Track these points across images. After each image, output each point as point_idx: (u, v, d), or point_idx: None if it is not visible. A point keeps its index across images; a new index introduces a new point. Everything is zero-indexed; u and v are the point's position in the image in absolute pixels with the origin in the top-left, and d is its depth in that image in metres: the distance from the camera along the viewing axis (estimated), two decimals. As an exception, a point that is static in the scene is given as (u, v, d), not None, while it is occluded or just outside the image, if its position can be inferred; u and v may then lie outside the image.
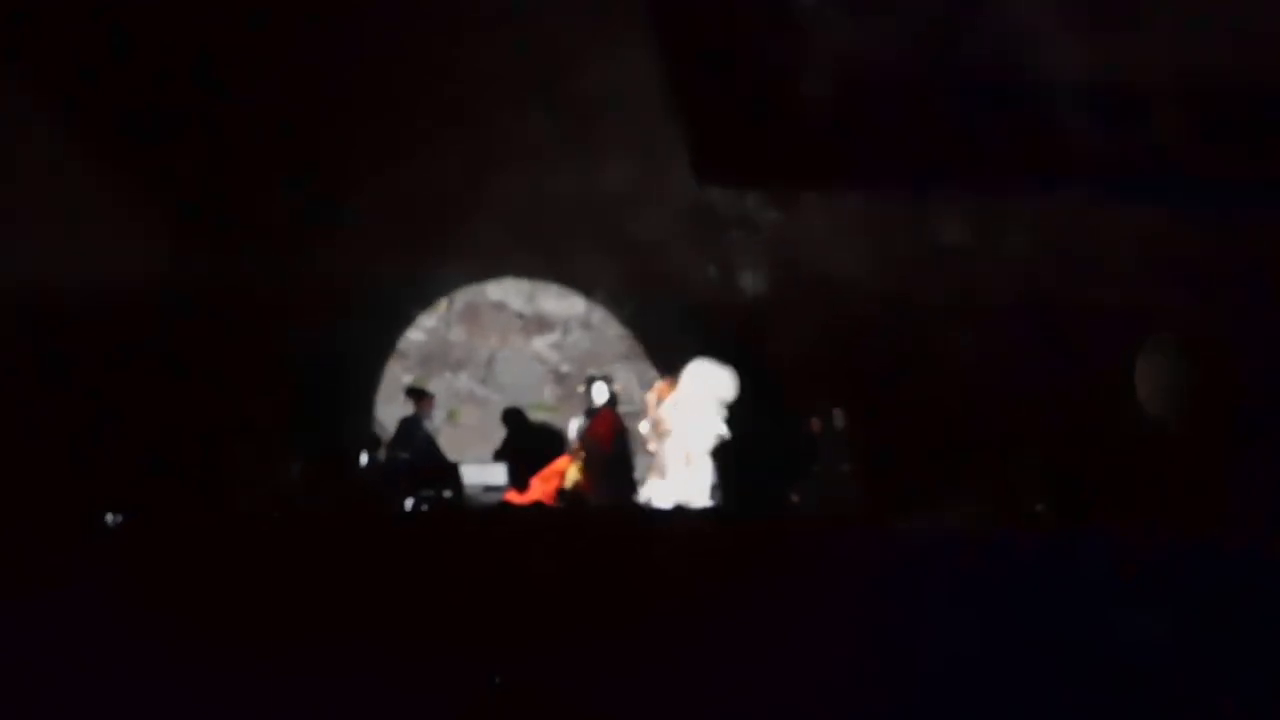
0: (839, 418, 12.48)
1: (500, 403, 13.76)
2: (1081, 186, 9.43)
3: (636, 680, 6.29)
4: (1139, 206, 9.35)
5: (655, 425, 12.41)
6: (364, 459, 12.55)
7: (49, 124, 8.93)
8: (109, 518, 8.68)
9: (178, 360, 10.70)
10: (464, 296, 13.67)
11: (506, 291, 13.76)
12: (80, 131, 9.17)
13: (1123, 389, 9.82)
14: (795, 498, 12.53)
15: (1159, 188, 8.95)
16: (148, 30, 8.89)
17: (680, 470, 12.09)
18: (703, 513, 11.50)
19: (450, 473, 12.66)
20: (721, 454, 12.10)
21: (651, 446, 12.39)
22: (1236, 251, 8.83)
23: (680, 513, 11.57)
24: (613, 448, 12.75)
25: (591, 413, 12.81)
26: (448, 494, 12.40)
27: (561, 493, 12.51)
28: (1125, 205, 9.41)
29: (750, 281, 13.01)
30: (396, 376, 13.49)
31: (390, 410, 13.17)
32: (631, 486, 12.91)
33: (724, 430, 12.12)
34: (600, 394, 12.80)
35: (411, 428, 12.75)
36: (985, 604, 6.88)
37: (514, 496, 12.66)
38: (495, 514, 11.83)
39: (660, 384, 12.67)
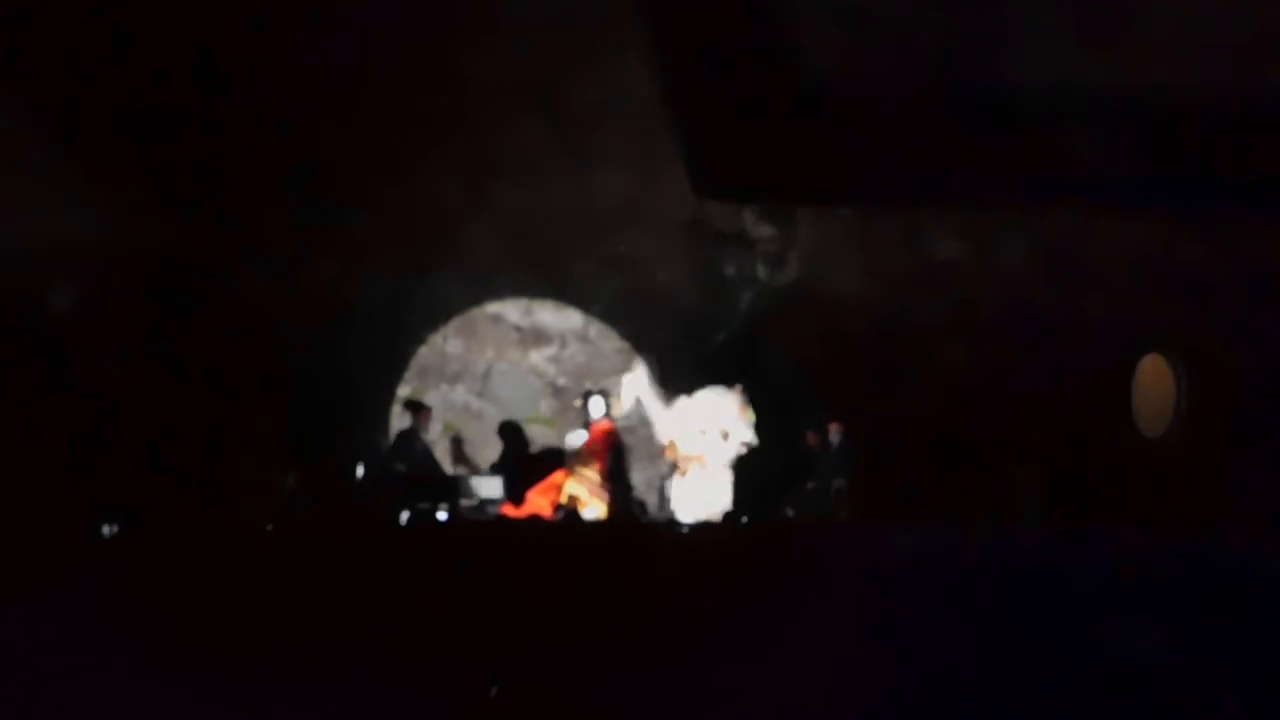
0: (836, 433, 12.52)
1: (496, 416, 13.77)
2: (1077, 197, 9.45)
3: (631, 693, 6.27)
4: (1133, 214, 9.38)
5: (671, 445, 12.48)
6: (360, 470, 12.58)
7: (48, 126, 8.93)
8: (105, 527, 8.62)
9: (174, 366, 10.70)
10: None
11: (504, 304, 13.78)
12: (80, 134, 9.17)
13: (1120, 396, 9.85)
14: (790, 512, 12.56)
15: (1154, 196, 8.98)
16: (147, 33, 8.92)
17: (700, 482, 12.16)
18: (698, 524, 11.50)
19: (447, 485, 12.66)
20: (741, 467, 12.19)
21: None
22: (1232, 257, 8.86)
23: (675, 525, 11.58)
24: (609, 461, 12.78)
25: (588, 427, 12.83)
26: (444, 506, 12.39)
27: (558, 506, 12.50)
28: (1120, 214, 9.44)
29: (747, 296, 13.06)
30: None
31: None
32: (628, 500, 12.94)
33: (749, 438, 12.18)
34: (597, 408, 12.81)
35: (409, 440, 12.76)
36: (985, 604, 6.86)
37: (510, 510, 12.64)
38: (491, 527, 11.80)
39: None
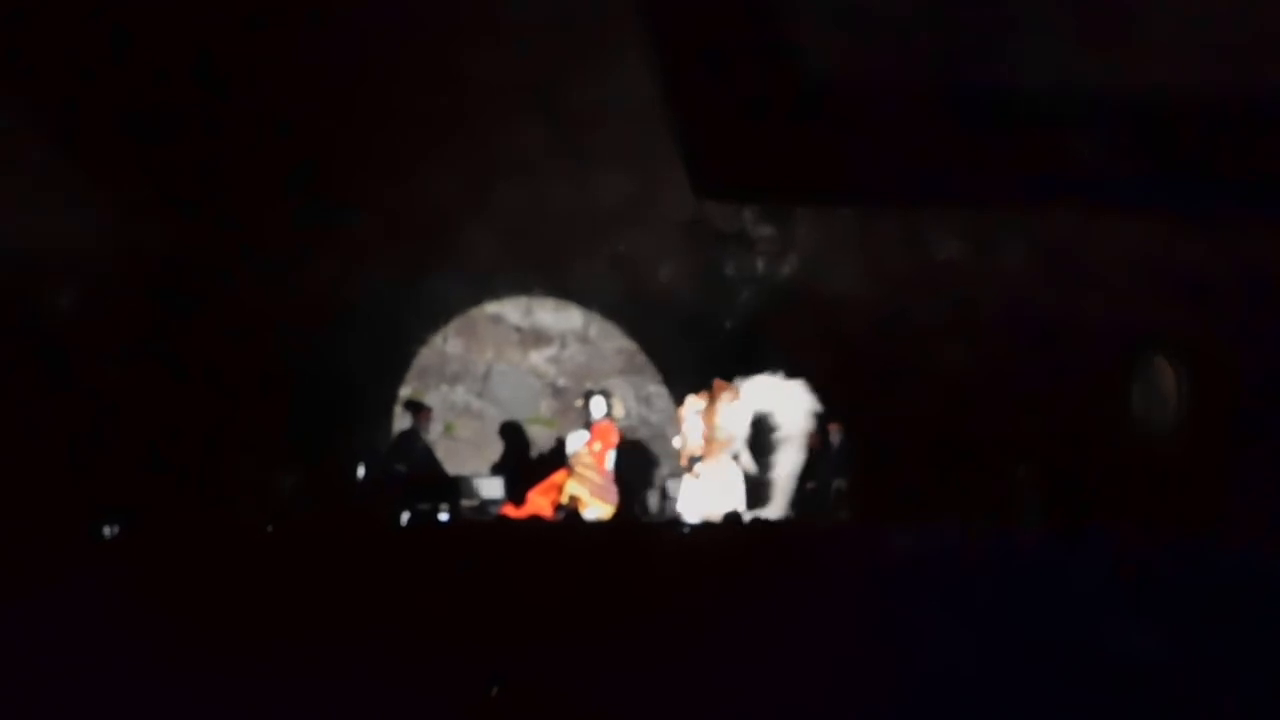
0: (836, 433, 12.51)
1: (496, 416, 13.77)
2: (1077, 197, 9.45)
3: (631, 693, 6.26)
4: (1133, 214, 9.37)
5: (709, 431, 12.40)
6: (360, 471, 12.57)
7: (48, 126, 8.93)
8: (105, 527, 8.62)
9: (174, 366, 10.70)
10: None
11: (503, 305, 13.77)
12: (80, 133, 9.17)
13: (1121, 395, 9.84)
14: (792, 512, 12.54)
15: (1155, 196, 8.98)
16: (147, 33, 8.92)
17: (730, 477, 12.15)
18: (698, 524, 11.48)
19: (448, 485, 12.65)
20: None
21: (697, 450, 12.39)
22: (1232, 257, 8.86)
23: (675, 524, 11.56)
24: (609, 461, 12.79)
25: (589, 427, 12.83)
26: (444, 507, 12.38)
27: (559, 506, 12.50)
28: (1120, 214, 9.43)
29: (747, 296, 13.07)
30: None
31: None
32: (628, 500, 12.94)
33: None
34: (598, 408, 12.81)
35: (410, 440, 12.75)
36: (985, 604, 6.85)
37: (511, 510, 12.63)
38: (492, 527, 11.78)
39: (708, 391, 12.64)
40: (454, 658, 6.31)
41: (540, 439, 13.77)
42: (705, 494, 12.17)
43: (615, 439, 12.83)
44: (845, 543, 8.76)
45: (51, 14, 8.46)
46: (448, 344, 13.72)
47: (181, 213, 10.37)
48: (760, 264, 12.89)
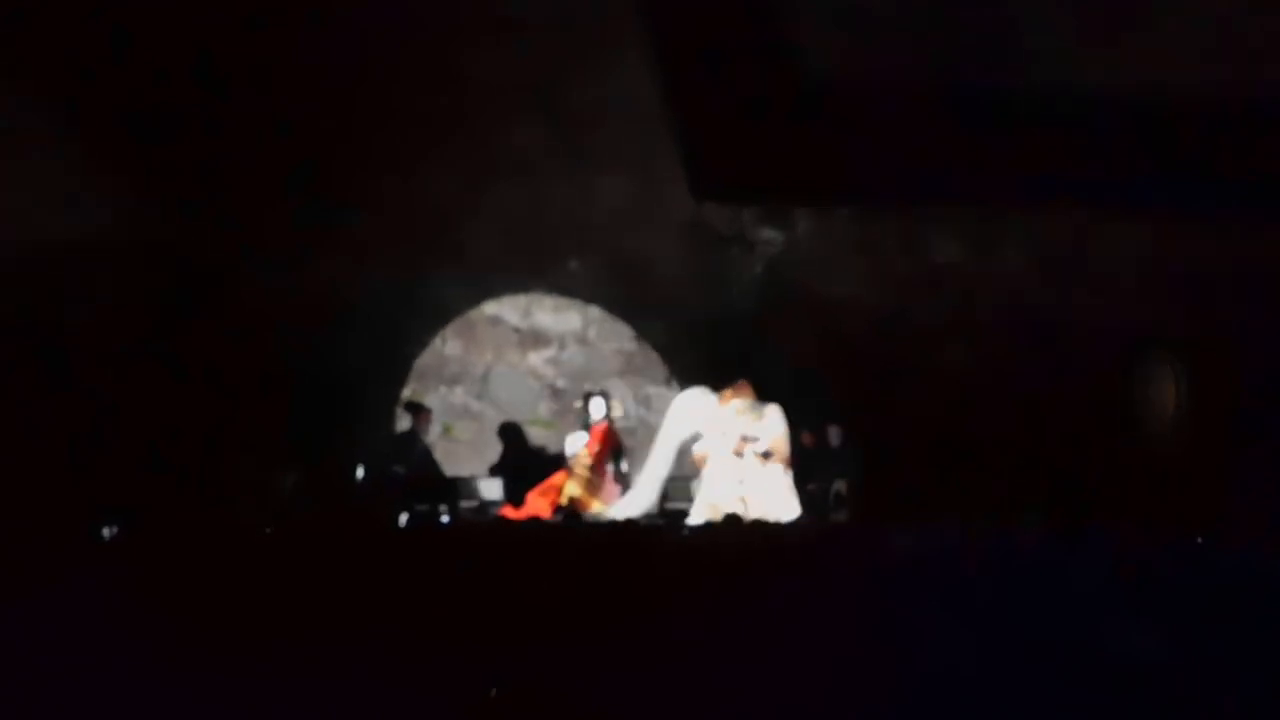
0: (835, 434, 12.51)
1: (496, 418, 13.78)
2: (1077, 197, 9.46)
3: (631, 693, 6.25)
4: (1133, 214, 9.37)
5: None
6: (360, 471, 12.59)
7: (48, 126, 8.94)
8: (105, 527, 8.61)
9: (174, 366, 10.71)
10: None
11: (502, 306, 13.80)
12: (80, 133, 9.18)
13: (1121, 396, 9.84)
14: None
15: (1155, 196, 8.99)
16: (147, 33, 8.92)
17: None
18: (698, 524, 11.48)
19: (447, 487, 12.66)
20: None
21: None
22: (1232, 257, 8.86)
23: (675, 525, 11.56)
24: (608, 463, 12.79)
25: (588, 428, 12.83)
26: (443, 509, 12.39)
27: (558, 508, 12.50)
28: (1120, 214, 9.43)
29: (747, 296, 13.07)
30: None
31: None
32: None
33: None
34: (597, 409, 12.82)
35: (409, 441, 12.76)
36: (985, 604, 6.85)
37: (510, 511, 12.64)
38: (491, 528, 11.79)
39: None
40: (454, 658, 6.30)
41: (540, 440, 13.79)
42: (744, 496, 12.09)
43: (614, 440, 12.84)
44: (845, 543, 8.76)
45: (51, 14, 8.47)
46: (447, 345, 13.74)
47: (181, 213, 10.37)
48: (760, 264, 12.88)
